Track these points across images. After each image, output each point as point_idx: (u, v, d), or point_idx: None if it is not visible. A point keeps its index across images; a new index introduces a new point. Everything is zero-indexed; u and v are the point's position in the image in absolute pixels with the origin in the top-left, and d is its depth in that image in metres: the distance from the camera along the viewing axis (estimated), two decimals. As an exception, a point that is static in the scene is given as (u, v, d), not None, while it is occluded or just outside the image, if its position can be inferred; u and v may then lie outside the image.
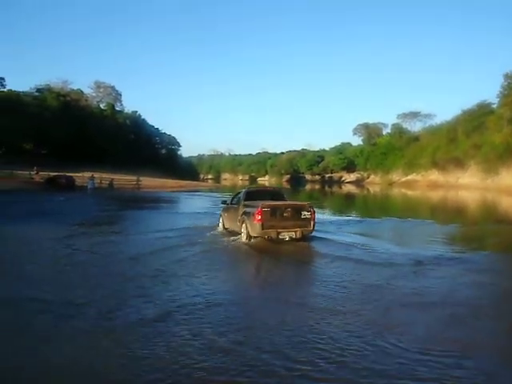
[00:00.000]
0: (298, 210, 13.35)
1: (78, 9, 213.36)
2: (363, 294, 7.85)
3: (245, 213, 13.56)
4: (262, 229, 12.74)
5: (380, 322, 6.33)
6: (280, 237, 12.93)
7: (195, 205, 32.03)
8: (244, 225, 13.48)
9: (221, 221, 16.27)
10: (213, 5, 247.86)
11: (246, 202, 14.18)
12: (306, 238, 13.40)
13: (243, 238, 13.44)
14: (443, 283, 8.87)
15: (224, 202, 16.73)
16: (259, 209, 12.78)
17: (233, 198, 16.02)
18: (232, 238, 13.96)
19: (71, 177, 46.49)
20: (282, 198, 15.38)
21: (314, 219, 13.40)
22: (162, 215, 23.11)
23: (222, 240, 13.98)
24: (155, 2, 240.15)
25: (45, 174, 47.68)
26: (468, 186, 69.79)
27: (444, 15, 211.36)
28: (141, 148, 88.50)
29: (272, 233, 12.85)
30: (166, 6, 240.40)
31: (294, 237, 13.02)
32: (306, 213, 13.30)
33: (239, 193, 15.73)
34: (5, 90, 67.20)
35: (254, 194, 15.27)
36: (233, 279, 9.77)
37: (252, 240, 13.17)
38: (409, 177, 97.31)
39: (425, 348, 5.30)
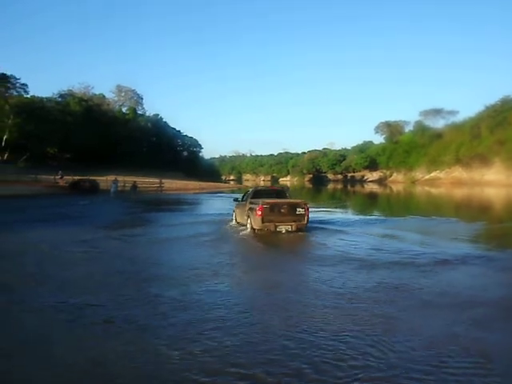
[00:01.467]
0: (293, 207, 15.46)
1: (90, 11, 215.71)
2: (385, 295, 7.70)
3: (250, 209, 15.85)
4: (262, 222, 14.97)
5: (409, 325, 6.21)
6: (277, 229, 15.05)
7: (217, 206, 32.13)
8: (249, 219, 15.75)
9: (234, 216, 18.61)
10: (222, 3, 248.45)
11: (252, 200, 16.40)
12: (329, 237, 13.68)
13: (248, 229, 15.66)
14: (471, 282, 8.71)
15: (236, 200, 19.20)
16: (260, 205, 14.97)
17: (243, 196, 18.38)
18: (239, 229, 16.51)
19: (95, 180, 47.02)
20: (284, 197, 17.67)
21: (307, 215, 15.41)
22: (185, 217, 23.11)
23: (231, 231, 16.64)
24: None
25: (69, 178, 48.32)
26: (493, 182, 68.73)
27: (466, 11, 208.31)
28: (163, 150, 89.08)
29: (270, 226, 15.01)
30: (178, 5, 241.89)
31: (289, 230, 15.09)
32: (300, 209, 15.39)
33: (248, 191, 18.25)
34: (28, 96, 68.19)
35: (261, 193, 17.83)
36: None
37: (256, 231, 15.33)
38: (432, 174, 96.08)
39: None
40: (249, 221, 15.76)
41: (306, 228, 15.70)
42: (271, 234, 14.93)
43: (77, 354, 5.02)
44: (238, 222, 17.80)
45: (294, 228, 15.12)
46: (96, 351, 5.12)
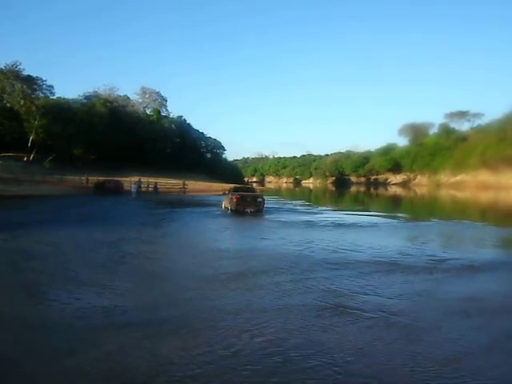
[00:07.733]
0: (255, 197, 24.99)
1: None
2: (409, 300, 7.51)
3: (230, 198, 24.83)
4: (236, 206, 23.93)
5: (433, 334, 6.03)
6: (245, 210, 23.72)
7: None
8: (229, 204, 24.80)
9: (223, 204, 27.66)
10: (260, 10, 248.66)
11: (232, 193, 25.66)
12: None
13: (229, 210, 24.77)
14: (499, 288, 8.51)
15: (224, 194, 29.85)
16: (235, 196, 24.41)
17: (228, 191, 27.75)
18: (225, 210, 25.93)
19: (119, 181, 47.61)
20: (252, 191, 27.83)
21: (263, 203, 24.78)
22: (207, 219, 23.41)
23: (221, 211, 26.51)
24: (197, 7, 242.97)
25: (93, 178, 49.08)
26: (521, 186, 67.30)
27: (492, 12, 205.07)
28: (186, 152, 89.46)
29: (241, 208, 23.84)
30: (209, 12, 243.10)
31: (252, 211, 23.78)
32: (259, 199, 24.80)
33: (230, 188, 28.16)
34: (54, 97, 68.90)
35: (238, 189, 27.84)
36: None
37: (232, 211, 24.13)
38: (457, 178, 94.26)
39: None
40: (229, 205, 24.78)
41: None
42: (241, 213, 23.65)
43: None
44: (225, 207, 26.43)
45: (254, 210, 23.88)
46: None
